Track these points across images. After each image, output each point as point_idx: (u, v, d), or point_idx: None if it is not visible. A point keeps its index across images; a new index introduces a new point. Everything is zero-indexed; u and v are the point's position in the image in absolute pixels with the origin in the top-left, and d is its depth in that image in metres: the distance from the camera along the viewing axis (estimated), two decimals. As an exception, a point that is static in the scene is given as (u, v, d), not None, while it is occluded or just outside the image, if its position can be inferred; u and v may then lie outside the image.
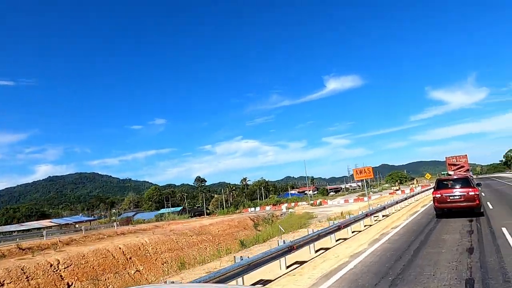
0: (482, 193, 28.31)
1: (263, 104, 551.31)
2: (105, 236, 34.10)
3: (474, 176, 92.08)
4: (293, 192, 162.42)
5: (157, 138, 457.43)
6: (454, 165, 63.00)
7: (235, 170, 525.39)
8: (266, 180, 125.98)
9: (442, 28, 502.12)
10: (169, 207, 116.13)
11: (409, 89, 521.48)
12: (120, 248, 27.53)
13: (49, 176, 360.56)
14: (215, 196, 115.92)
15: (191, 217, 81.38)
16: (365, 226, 15.82)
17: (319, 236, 11.00)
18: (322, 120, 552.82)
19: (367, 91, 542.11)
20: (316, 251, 10.94)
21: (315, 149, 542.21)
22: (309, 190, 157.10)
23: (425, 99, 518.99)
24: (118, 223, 50.11)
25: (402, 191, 61.01)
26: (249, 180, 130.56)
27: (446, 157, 65.87)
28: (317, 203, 69.88)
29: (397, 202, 24.78)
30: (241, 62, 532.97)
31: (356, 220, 15.00)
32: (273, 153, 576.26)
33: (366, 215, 15.86)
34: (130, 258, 27.22)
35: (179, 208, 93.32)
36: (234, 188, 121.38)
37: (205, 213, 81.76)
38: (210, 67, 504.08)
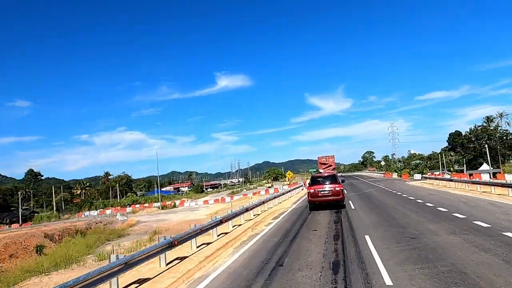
0: (351, 204, 18.30)
1: (151, 95, 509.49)
2: None
3: (340, 174, 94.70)
4: (166, 189, 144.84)
5: (19, 123, 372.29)
6: (324, 164, 64.55)
7: (117, 164, 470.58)
8: (129, 175, 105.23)
9: (320, 40, 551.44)
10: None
11: (291, 93, 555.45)
12: None
13: None
14: (61, 194, 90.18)
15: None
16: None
17: None
18: (212, 115, 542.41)
19: (255, 91, 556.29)
20: None
21: (203, 144, 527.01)
22: (185, 187, 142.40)
23: (304, 103, 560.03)
24: None
25: (266, 190, 51.72)
26: (112, 175, 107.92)
27: (318, 157, 66.92)
28: (172, 205, 55.66)
29: (210, 226, 11.73)
30: (128, 47, 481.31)
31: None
32: (160, 146, 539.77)
33: None
34: None
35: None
36: (88, 184, 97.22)
37: (20, 220, 58.31)
38: (91, 48, 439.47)
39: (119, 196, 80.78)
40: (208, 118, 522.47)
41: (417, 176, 46.22)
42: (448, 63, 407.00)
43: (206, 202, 54.48)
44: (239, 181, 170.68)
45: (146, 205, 62.69)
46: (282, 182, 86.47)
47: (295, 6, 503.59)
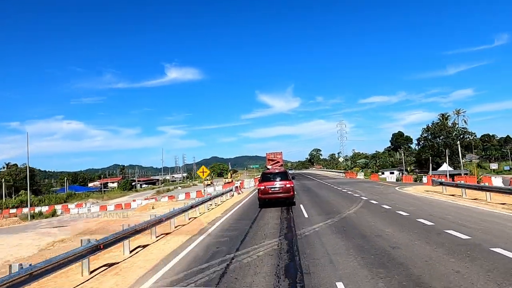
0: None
1: (94, 83, 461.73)
2: None
3: (292, 171, 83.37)
4: (94, 184, 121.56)
5: None
6: (272, 160, 61.28)
7: (53, 155, 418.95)
8: (34, 167, 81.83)
9: (273, 40, 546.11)
10: None
11: (242, 90, 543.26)
12: None
13: None
14: None
15: None
16: None
17: None
18: (160, 108, 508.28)
19: (206, 85, 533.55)
20: None
21: (150, 137, 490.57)
22: (114, 182, 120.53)
23: (254, 101, 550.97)
24: None
25: (187, 194, 35.43)
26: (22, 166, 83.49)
27: (266, 153, 64.87)
28: (51, 212, 37.49)
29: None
30: (68, 29, 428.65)
31: None
32: (102, 138, 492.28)
33: None
34: None
35: None
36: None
37: None
38: (25, 27, 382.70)
39: (5, 195, 59.01)
40: (155, 110, 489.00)
41: (390, 177, 33.72)
42: (388, 70, 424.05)
43: (104, 207, 37.13)
44: (182, 176, 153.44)
45: (25, 210, 43.14)
46: (225, 180, 71.45)
47: (249, 5, 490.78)
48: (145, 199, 42.46)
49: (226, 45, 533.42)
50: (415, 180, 31.79)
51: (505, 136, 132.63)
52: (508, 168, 64.11)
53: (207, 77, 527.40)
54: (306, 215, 12.05)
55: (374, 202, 14.60)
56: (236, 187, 26.59)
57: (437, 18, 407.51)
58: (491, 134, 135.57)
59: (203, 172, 19.36)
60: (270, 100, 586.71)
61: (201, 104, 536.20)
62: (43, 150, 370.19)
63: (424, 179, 28.83)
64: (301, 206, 14.73)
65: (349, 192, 20.22)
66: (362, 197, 16.58)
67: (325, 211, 12.84)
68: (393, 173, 61.08)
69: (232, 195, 24.22)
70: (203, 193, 32.44)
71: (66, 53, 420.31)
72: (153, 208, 25.08)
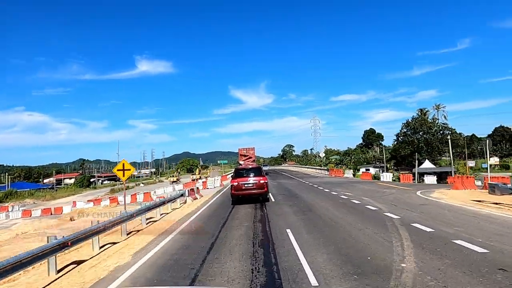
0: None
1: (59, 73, 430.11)
2: None
3: (268, 167, 77.38)
4: (50, 180, 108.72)
5: None
6: (245, 155, 61.06)
7: (13, 148, 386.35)
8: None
9: (247, 35, 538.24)
10: None
11: (216, 84, 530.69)
12: None
13: None
14: None
15: None
16: None
17: None
18: (130, 101, 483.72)
19: (178, 79, 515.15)
20: None
21: (119, 131, 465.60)
22: (72, 178, 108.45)
23: (227, 96, 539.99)
24: None
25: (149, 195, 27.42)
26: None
27: (239, 149, 64.53)
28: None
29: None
30: (30, 15, 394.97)
31: None
32: (67, 131, 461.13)
33: None
34: None
35: None
36: None
37: None
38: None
39: None
40: (125, 103, 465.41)
41: (384, 175, 27.80)
42: (358, 69, 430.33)
43: (27, 213, 28.55)
44: (150, 172, 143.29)
45: None
46: (192, 176, 64.12)
47: (224, 1, 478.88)
48: (88, 200, 34.04)
49: (199, 39, 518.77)
50: (414, 180, 26.18)
51: (470, 135, 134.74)
52: (486, 166, 61.37)
53: (179, 71, 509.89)
54: (312, 279, 4.91)
55: (424, 228, 7.75)
56: (192, 189, 19.14)
57: (404, 20, 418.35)
58: (457, 133, 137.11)
59: (123, 170, 11.72)
60: (243, 96, 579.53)
61: (172, 98, 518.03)
62: (1, 143, 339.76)
63: (428, 179, 23.05)
64: (290, 234, 7.77)
65: (354, 201, 13.42)
66: (387, 214, 9.80)
67: (350, 261, 5.67)
68: (368, 169, 56.32)
69: (185, 201, 16.89)
70: (151, 195, 24.98)
71: (28, 41, 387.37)
72: (71, 220, 17.25)
